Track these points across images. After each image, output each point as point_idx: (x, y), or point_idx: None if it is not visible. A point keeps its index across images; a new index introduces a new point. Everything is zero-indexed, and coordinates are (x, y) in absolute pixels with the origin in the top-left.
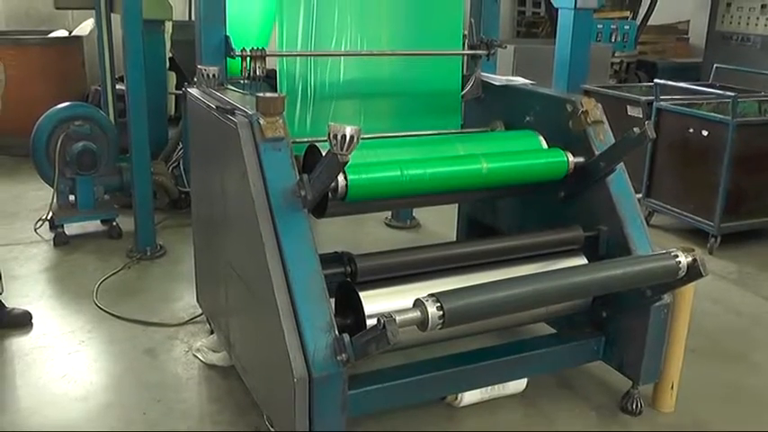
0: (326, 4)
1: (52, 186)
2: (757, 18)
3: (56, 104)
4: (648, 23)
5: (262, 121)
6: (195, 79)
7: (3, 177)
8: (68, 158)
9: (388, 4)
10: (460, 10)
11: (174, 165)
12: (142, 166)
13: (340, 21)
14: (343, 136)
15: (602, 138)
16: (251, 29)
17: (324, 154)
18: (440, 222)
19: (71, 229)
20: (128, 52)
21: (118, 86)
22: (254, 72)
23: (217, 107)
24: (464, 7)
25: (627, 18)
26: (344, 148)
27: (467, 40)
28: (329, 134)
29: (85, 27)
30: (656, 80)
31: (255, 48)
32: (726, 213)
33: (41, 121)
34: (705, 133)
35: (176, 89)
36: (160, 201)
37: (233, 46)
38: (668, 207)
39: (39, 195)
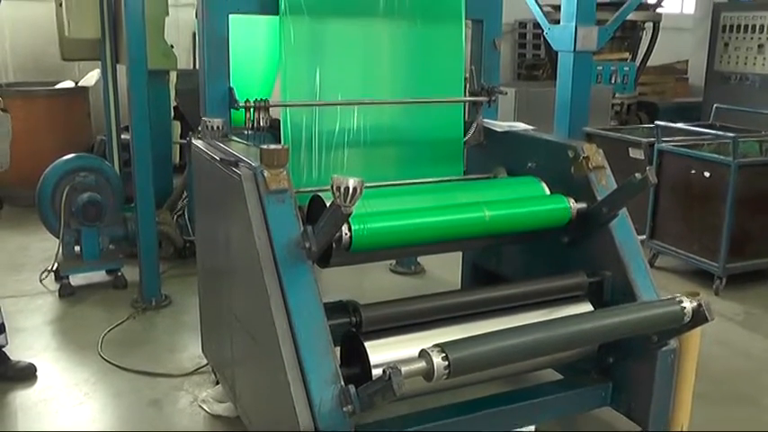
0: (329, 53)
1: (58, 237)
2: (755, 58)
3: (62, 155)
4: (648, 64)
5: (266, 173)
6: (199, 130)
7: (9, 228)
8: (74, 210)
9: (391, 53)
10: (461, 58)
11: (179, 213)
12: (147, 217)
13: (343, 70)
14: (347, 188)
15: (605, 183)
16: (254, 79)
17: (328, 205)
18: (444, 267)
19: (76, 279)
20: (133, 103)
21: (123, 136)
22: (258, 123)
23: (221, 159)
24: (465, 55)
25: (626, 59)
26: (348, 200)
27: (468, 87)
28: (332, 186)
29: (91, 78)
30: (656, 122)
31: (259, 99)
32: (730, 254)
33: (47, 172)
34: (707, 174)
35: (181, 138)
36: (165, 250)
37: (237, 98)
38: (672, 248)
39: (44, 246)
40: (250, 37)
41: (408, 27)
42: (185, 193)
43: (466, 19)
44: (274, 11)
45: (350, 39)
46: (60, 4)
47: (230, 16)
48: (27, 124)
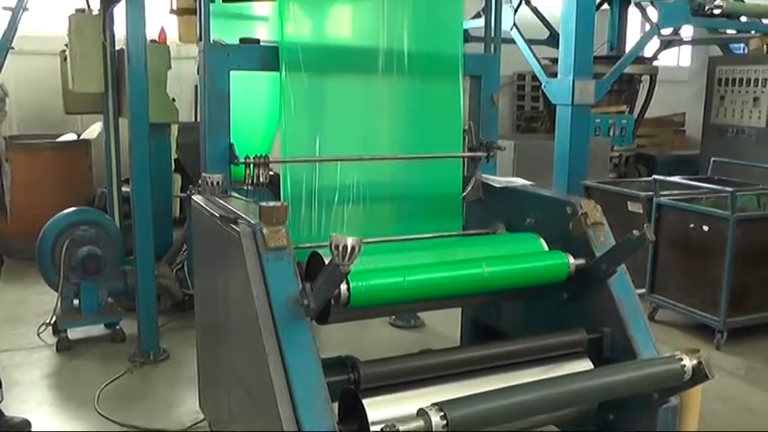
0: (329, 110)
1: (57, 291)
2: (750, 111)
3: (63, 208)
4: (645, 116)
5: (265, 231)
6: (199, 185)
7: (8, 281)
8: (73, 263)
9: (390, 109)
10: (460, 113)
11: (179, 267)
12: (146, 271)
13: (342, 126)
14: (345, 247)
15: (603, 239)
16: (255, 134)
17: (326, 262)
18: (444, 320)
19: (74, 333)
20: (134, 156)
21: (123, 189)
22: (258, 179)
23: (220, 216)
24: (463, 110)
25: (624, 112)
26: (346, 259)
27: (466, 142)
28: (331, 245)
29: (93, 130)
30: (654, 176)
31: (259, 155)
32: (731, 308)
33: (47, 226)
34: (706, 228)
35: (181, 191)
36: (164, 303)
37: (237, 154)
38: (672, 302)
39: (43, 299)
40: (251, 92)
41: (407, 83)
42: (185, 247)
43: (464, 75)
44: (275, 68)
45: (349, 95)
46: (65, 59)
47: (231, 72)
48: (29, 177)
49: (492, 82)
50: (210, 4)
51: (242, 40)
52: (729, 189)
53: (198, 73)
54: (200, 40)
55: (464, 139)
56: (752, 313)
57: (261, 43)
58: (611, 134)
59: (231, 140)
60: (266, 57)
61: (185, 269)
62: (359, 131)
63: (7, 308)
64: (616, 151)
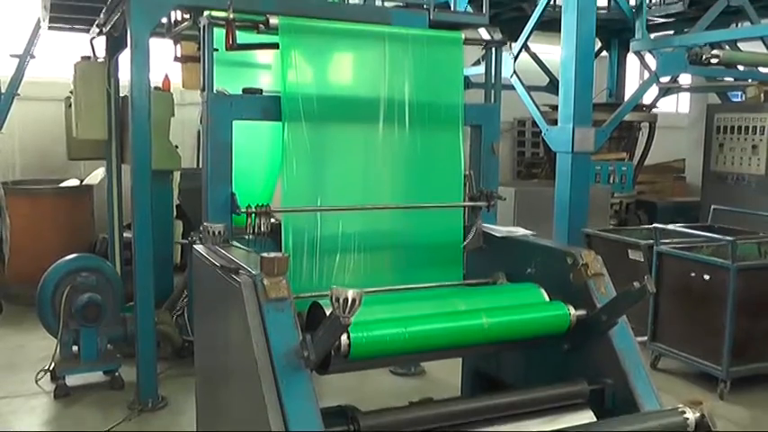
0: (330, 159)
1: (56, 337)
2: (749, 158)
3: (64, 254)
4: (645, 163)
5: (265, 282)
6: (201, 233)
7: (8, 326)
8: (73, 311)
9: (390, 158)
10: (460, 163)
11: (179, 313)
12: (146, 318)
13: (343, 176)
14: (345, 299)
15: (604, 290)
16: (256, 182)
17: (327, 312)
18: (444, 367)
19: (73, 379)
20: (136, 203)
21: (125, 234)
22: (259, 228)
23: (221, 266)
24: (464, 160)
25: (624, 159)
26: (347, 312)
27: (467, 192)
28: (332, 297)
29: (96, 176)
30: (655, 225)
31: (260, 205)
32: (734, 358)
33: (48, 273)
34: (707, 277)
35: (182, 237)
36: (163, 349)
37: (238, 203)
38: (675, 351)
39: (42, 345)
40: (252, 140)
41: (408, 133)
42: (185, 293)
43: (464, 125)
44: (277, 117)
45: (350, 145)
46: (69, 105)
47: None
48: (31, 222)
49: (492, 131)
50: (214, 53)
51: (245, 90)
52: (729, 238)
53: (200, 122)
54: (204, 90)
55: (465, 187)
56: (755, 362)
57: (263, 93)
58: (612, 181)
59: (233, 190)
60: (268, 107)
61: (185, 315)
62: (360, 181)
63: (5, 354)
64: (616, 198)
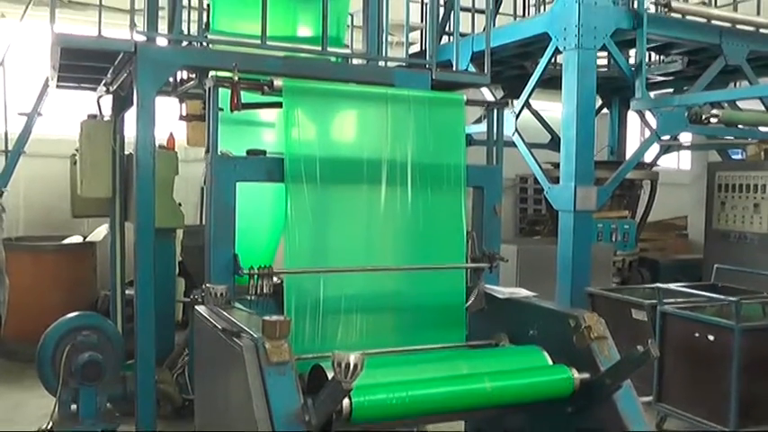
0: (333, 221)
1: (55, 395)
2: (752, 217)
3: (65, 311)
4: (647, 220)
5: (267, 345)
6: (203, 292)
7: (7, 384)
8: (73, 369)
9: (393, 220)
10: (463, 224)
11: (180, 371)
12: (146, 378)
13: (346, 237)
14: (347, 364)
15: (607, 354)
16: (259, 241)
17: (329, 375)
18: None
19: None
20: (139, 261)
21: (127, 291)
22: (262, 289)
23: (223, 329)
24: (466, 220)
25: (626, 217)
26: (348, 377)
27: (469, 253)
28: (333, 362)
29: (99, 233)
30: (658, 285)
31: (263, 267)
32: (740, 419)
33: (49, 331)
34: (711, 338)
35: (185, 295)
36: (163, 408)
37: (241, 265)
38: (680, 412)
39: (41, 403)
40: (255, 200)
41: (410, 194)
42: (186, 351)
43: (467, 186)
44: (280, 179)
45: (353, 206)
46: (74, 163)
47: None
48: (33, 279)
49: (494, 193)
50: (219, 113)
51: (249, 152)
52: (733, 299)
53: (204, 183)
54: (208, 151)
55: (467, 247)
56: (762, 424)
57: (267, 154)
58: (614, 239)
59: (235, 251)
60: (272, 168)
61: (186, 374)
62: (363, 242)
63: (4, 411)
64: (619, 255)
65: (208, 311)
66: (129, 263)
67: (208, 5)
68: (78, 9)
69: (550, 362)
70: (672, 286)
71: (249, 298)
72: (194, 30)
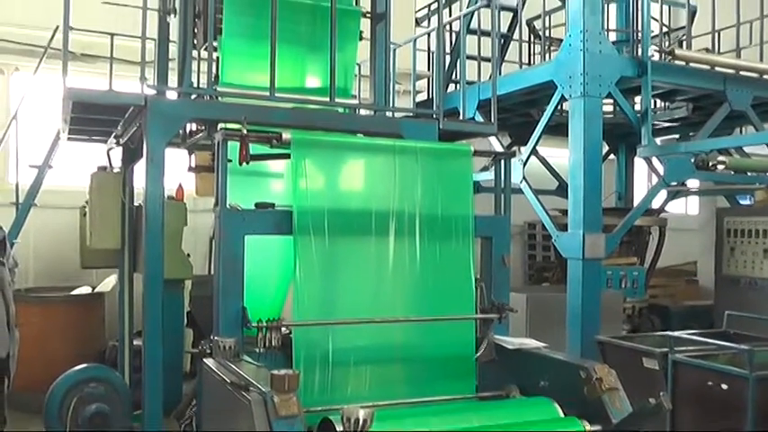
0: (341, 272)
1: None
2: (761, 262)
3: (73, 361)
4: (656, 266)
5: (276, 399)
6: (211, 343)
7: None
8: (80, 421)
9: (401, 271)
10: (471, 275)
11: (187, 423)
12: (154, 429)
13: (355, 289)
14: (356, 420)
15: (619, 406)
16: (267, 292)
17: (337, 428)
18: None
19: None
20: (147, 313)
21: (135, 342)
22: (270, 342)
23: (231, 383)
24: (474, 271)
25: (635, 264)
26: None
27: (478, 304)
28: (342, 417)
29: (108, 283)
30: (668, 333)
31: (271, 319)
32: None
33: (56, 383)
34: (725, 387)
35: (193, 346)
36: None
37: (249, 318)
38: None
39: None
40: (263, 251)
41: (418, 246)
42: (194, 402)
43: (475, 237)
44: (289, 231)
45: (362, 258)
46: (84, 215)
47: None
48: (42, 330)
49: (503, 243)
50: (228, 164)
51: (257, 205)
52: (746, 347)
53: (212, 237)
54: (217, 204)
55: (476, 297)
56: None
57: (276, 206)
58: (623, 286)
59: (244, 303)
60: (280, 221)
61: (194, 425)
62: (371, 293)
63: None
64: (629, 303)
65: (216, 364)
66: (138, 313)
67: (217, 58)
68: (89, 61)
69: (561, 414)
70: (683, 334)
71: (258, 350)
72: (204, 80)
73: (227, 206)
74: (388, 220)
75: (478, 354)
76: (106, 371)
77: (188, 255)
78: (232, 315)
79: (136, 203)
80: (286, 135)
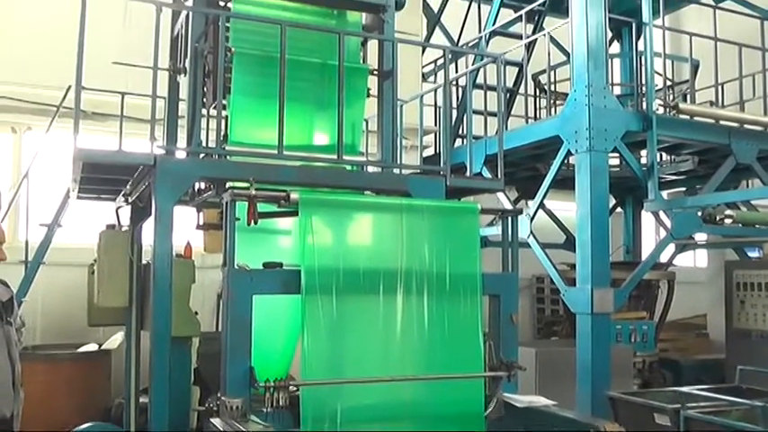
0: (349, 331)
1: None
2: None
3: (79, 419)
4: (666, 320)
5: None
6: (218, 401)
7: None
8: None
9: (410, 329)
10: (479, 333)
11: None
12: None
13: (363, 347)
14: None
15: None
16: (275, 350)
17: None
18: None
19: None
20: (154, 371)
21: (141, 399)
22: (278, 402)
23: None
24: (482, 328)
25: (644, 318)
26: None
27: (487, 362)
28: None
29: (115, 341)
30: (680, 389)
31: (279, 379)
32: None
33: None
34: None
35: (199, 403)
36: None
37: (257, 377)
38: None
39: None
40: (271, 308)
41: (426, 304)
42: None
43: (483, 295)
44: (297, 290)
45: (370, 316)
46: (92, 273)
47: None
48: (48, 387)
49: (511, 301)
50: (236, 222)
51: (265, 265)
52: (759, 403)
53: (220, 293)
54: (225, 265)
55: (485, 355)
56: None
57: (284, 265)
58: (633, 340)
59: (251, 363)
60: (288, 281)
61: None
62: (379, 352)
63: None
64: (639, 357)
65: (223, 425)
66: (144, 370)
67: (226, 116)
68: (100, 120)
69: None
70: (695, 390)
71: (265, 410)
72: (212, 137)
73: (236, 266)
74: (396, 279)
75: (487, 412)
76: (112, 428)
77: (195, 312)
78: (239, 375)
79: (144, 261)
80: (294, 195)
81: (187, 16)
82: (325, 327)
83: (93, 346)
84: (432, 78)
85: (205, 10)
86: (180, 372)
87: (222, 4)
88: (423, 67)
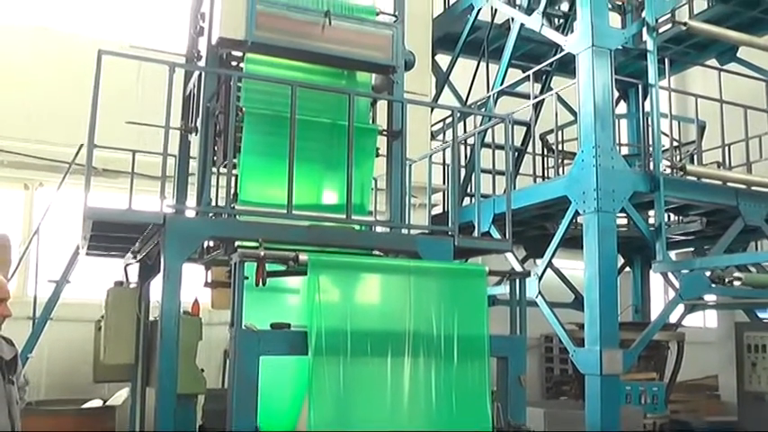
0: (356, 392)
1: None
2: None
3: None
4: (676, 381)
5: None
6: None
7: None
8: None
9: (417, 390)
10: (487, 395)
11: None
12: None
13: (370, 408)
14: None
15: None
16: (282, 405)
17: None
18: None
19: None
20: (159, 427)
21: None
22: None
23: None
24: (491, 387)
25: (654, 379)
26: None
27: (495, 423)
28: None
29: (120, 397)
30: None
31: None
32: None
33: None
34: None
35: None
36: None
37: None
38: None
39: None
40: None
41: (434, 366)
42: None
43: (491, 357)
44: (304, 351)
45: (377, 378)
46: (99, 329)
47: None
48: None
49: (518, 363)
50: (245, 281)
51: (273, 326)
52: None
53: (227, 350)
54: (232, 325)
55: (493, 417)
56: None
57: (291, 326)
58: (643, 402)
59: (257, 424)
60: (295, 342)
61: None
62: (386, 414)
63: None
64: (649, 418)
65: None
66: (149, 427)
67: (236, 175)
68: (111, 176)
69: None
70: None
71: None
72: (222, 195)
73: (243, 327)
74: (404, 341)
75: None
76: None
77: (202, 369)
78: None
79: (151, 317)
80: (303, 256)
81: (199, 76)
82: (332, 388)
83: (97, 402)
84: (440, 136)
85: (217, 70)
86: (185, 428)
87: (234, 64)
88: (432, 125)
